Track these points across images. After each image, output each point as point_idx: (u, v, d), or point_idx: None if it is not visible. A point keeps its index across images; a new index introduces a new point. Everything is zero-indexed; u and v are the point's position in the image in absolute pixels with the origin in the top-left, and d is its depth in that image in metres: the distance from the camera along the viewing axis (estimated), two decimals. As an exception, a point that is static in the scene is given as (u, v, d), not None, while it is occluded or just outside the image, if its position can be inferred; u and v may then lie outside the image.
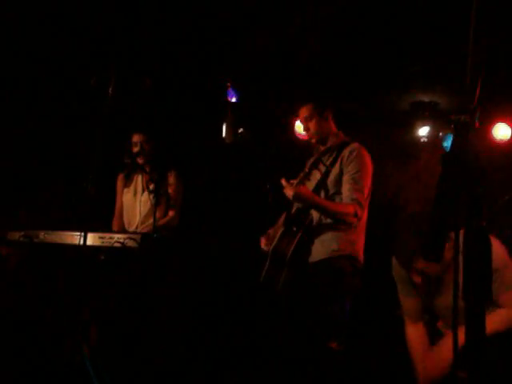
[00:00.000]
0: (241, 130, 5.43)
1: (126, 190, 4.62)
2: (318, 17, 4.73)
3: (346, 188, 3.53)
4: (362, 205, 3.49)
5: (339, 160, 3.60)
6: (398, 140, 6.13)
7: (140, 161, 4.48)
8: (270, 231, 3.74)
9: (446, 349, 2.55)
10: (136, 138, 4.50)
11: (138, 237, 3.75)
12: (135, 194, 4.57)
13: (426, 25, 4.44)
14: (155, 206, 4.06)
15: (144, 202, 4.50)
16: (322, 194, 3.60)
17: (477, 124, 1.35)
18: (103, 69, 3.63)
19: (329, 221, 3.54)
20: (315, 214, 3.57)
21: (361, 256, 3.59)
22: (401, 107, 6.01)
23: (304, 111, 3.75)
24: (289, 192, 3.45)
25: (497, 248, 2.50)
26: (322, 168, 3.66)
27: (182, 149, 5.43)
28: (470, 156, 1.31)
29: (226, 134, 5.39)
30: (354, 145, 3.66)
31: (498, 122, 5.72)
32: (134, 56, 4.91)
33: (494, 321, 2.47)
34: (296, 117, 5.56)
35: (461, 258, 1.44)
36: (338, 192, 3.57)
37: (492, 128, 5.71)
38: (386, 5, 4.37)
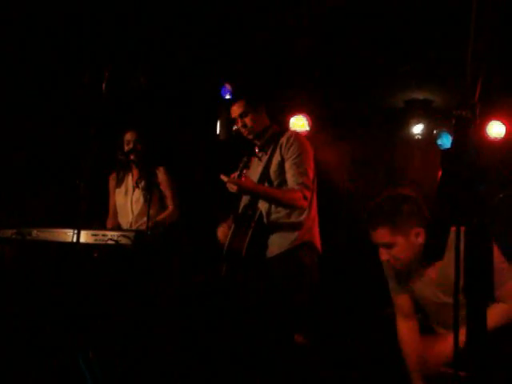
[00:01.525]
0: (235, 128, 5.41)
1: (117, 190, 4.59)
2: (311, 15, 4.72)
3: (290, 174, 3.50)
4: (308, 187, 3.46)
5: (278, 149, 3.58)
6: (391, 137, 6.13)
7: (132, 159, 4.46)
8: (220, 229, 3.69)
9: (443, 346, 2.54)
10: (129, 136, 4.48)
11: (131, 234, 3.73)
12: (126, 193, 4.54)
13: (420, 22, 4.44)
14: (148, 203, 4.04)
15: (136, 201, 4.47)
16: (267, 185, 3.57)
17: (476, 119, 1.34)
18: (96, 66, 3.62)
19: (281, 211, 3.51)
20: (264, 207, 3.53)
21: (318, 243, 3.59)
22: (395, 105, 6.02)
23: (237, 108, 3.71)
24: (232, 186, 3.40)
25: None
26: (262, 160, 3.66)
27: (175, 146, 5.41)
28: (470, 152, 1.30)
29: (220, 131, 5.38)
30: (290, 132, 3.69)
31: (492, 120, 5.73)
32: (128, 53, 4.89)
33: (491, 316, 2.46)
34: (290, 114, 5.57)
35: (452, 255, 1.43)
36: (283, 181, 3.54)
37: (486, 126, 5.72)
38: (380, 2, 4.37)
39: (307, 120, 5.69)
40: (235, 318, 3.58)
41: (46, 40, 4.80)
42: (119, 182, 4.58)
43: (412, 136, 6.17)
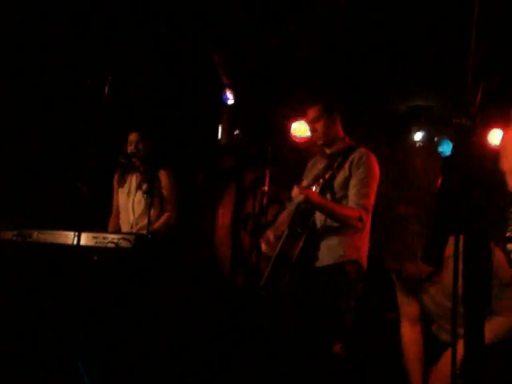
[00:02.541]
0: (237, 132, 5.43)
1: (120, 190, 4.62)
2: (315, 19, 4.73)
3: (352, 192, 3.51)
4: (367, 210, 3.48)
5: (347, 164, 3.57)
6: (393, 143, 6.14)
7: (135, 160, 4.49)
8: (269, 233, 3.72)
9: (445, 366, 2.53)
10: (132, 138, 4.51)
11: (132, 237, 3.74)
12: (129, 194, 4.57)
13: (423, 28, 4.44)
14: (149, 206, 4.06)
15: (137, 202, 4.50)
16: (328, 197, 3.57)
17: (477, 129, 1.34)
18: (100, 68, 3.62)
19: (334, 225, 3.53)
20: (319, 217, 3.55)
21: (365, 262, 3.59)
22: (398, 111, 6.02)
23: (312, 112, 3.72)
24: (298, 194, 3.45)
25: (498, 255, 2.50)
26: (329, 171, 3.62)
27: (177, 149, 5.42)
28: (471, 160, 1.30)
29: (222, 135, 5.39)
30: (363, 149, 3.64)
31: (493, 128, 5.71)
32: (131, 56, 4.90)
33: (491, 329, 2.46)
34: (293, 119, 5.56)
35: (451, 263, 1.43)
36: (345, 196, 3.55)
37: (487, 134, 5.70)
38: (384, 8, 4.38)
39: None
40: (272, 323, 3.62)
41: (49, 40, 4.82)
42: (122, 183, 4.62)
43: (414, 143, 6.17)
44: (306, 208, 3.56)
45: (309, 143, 5.27)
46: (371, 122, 5.69)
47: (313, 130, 3.75)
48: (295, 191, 3.50)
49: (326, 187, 3.56)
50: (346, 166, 3.56)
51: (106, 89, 3.56)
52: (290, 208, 3.65)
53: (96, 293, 3.62)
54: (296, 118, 5.54)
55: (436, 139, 6.21)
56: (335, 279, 3.46)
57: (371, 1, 4.36)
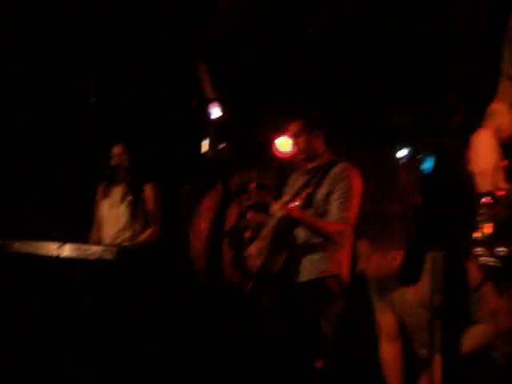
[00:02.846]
0: (222, 145, 5.43)
1: (103, 201, 4.60)
2: (302, 35, 4.77)
3: (334, 206, 3.50)
4: (350, 223, 3.47)
5: (328, 178, 3.58)
6: (377, 160, 6.18)
7: (120, 172, 4.49)
8: (252, 248, 3.72)
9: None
10: (117, 150, 4.51)
11: (114, 249, 3.73)
12: (112, 206, 4.55)
13: (407, 46, 4.49)
14: (132, 218, 4.05)
15: (121, 215, 4.48)
16: (310, 212, 3.56)
17: (457, 146, 1.36)
18: (86, 81, 3.64)
19: (317, 240, 3.51)
20: (301, 232, 3.54)
21: (347, 277, 3.58)
22: (381, 127, 6.06)
23: (294, 127, 3.75)
24: (279, 210, 3.47)
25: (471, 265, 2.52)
26: (310, 186, 3.63)
27: (162, 162, 5.43)
28: (451, 178, 1.32)
29: (208, 148, 5.40)
30: (344, 164, 3.65)
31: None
32: (118, 68, 4.91)
33: (470, 337, 2.49)
34: (277, 134, 5.59)
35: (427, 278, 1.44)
36: (327, 210, 3.54)
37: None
38: (368, 26, 4.42)
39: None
40: (256, 337, 3.61)
41: (32, 53, 4.81)
42: (106, 194, 4.60)
43: (398, 160, 6.22)
44: (287, 223, 3.55)
45: (292, 158, 5.30)
46: (356, 138, 5.73)
47: (295, 144, 3.77)
48: (275, 206, 3.52)
49: (308, 202, 3.56)
50: (327, 180, 3.56)
51: (91, 99, 3.56)
52: (272, 223, 3.67)
53: (78, 304, 3.60)
54: (280, 132, 5.56)
55: (419, 156, 6.27)
56: (317, 294, 3.45)
57: (357, 19, 4.40)
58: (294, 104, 5.09)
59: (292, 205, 3.51)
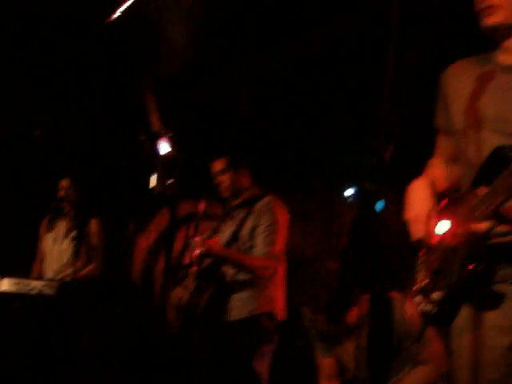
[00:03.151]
0: (170, 181, 5.42)
1: (47, 235, 4.54)
2: (251, 77, 4.86)
3: (259, 240, 3.49)
4: (275, 257, 3.47)
5: (252, 213, 3.57)
6: (324, 198, 6.25)
7: (65, 206, 4.44)
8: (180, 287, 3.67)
9: None
10: (63, 183, 4.47)
11: (55, 284, 3.67)
12: (56, 240, 4.49)
13: (342, 92, 4.61)
14: (75, 254, 4.00)
15: (64, 250, 4.42)
16: (236, 248, 3.55)
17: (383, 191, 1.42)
18: (33, 113, 3.61)
19: (245, 276, 3.49)
20: (229, 269, 3.51)
21: (280, 312, 3.53)
22: (330, 166, 6.16)
23: (218, 165, 3.76)
24: (199, 247, 3.43)
25: (412, 311, 2.57)
26: (235, 222, 3.63)
27: (109, 197, 5.39)
28: (376, 224, 1.37)
29: (155, 184, 5.38)
30: (268, 198, 3.64)
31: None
32: (67, 102, 4.89)
33: (414, 378, 2.54)
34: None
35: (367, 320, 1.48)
36: (252, 246, 3.52)
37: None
38: (308, 71, 4.53)
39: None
40: (186, 378, 3.55)
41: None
42: (50, 228, 4.54)
43: (345, 198, 6.31)
44: (213, 260, 3.53)
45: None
46: (302, 176, 5.81)
47: (218, 183, 3.75)
48: (196, 243, 3.46)
49: (234, 238, 3.55)
50: (252, 215, 3.56)
51: (37, 132, 3.54)
52: (195, 259, 3.59)
53: (18, 340, 3.53)
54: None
55: (366, 196, 6.37)
56: (249, 334, 3.40)
57: (299, 64, 4.51)
58: (222, 142, 5.16)
59: (213, 241, 3.48)
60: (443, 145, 2.16)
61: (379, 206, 6.48)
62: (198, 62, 4.81)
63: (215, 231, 3.61)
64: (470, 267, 1.68)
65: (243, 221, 3.58)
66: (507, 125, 1.86)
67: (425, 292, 1.84)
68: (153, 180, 5.16)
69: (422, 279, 1.92)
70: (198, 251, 3.46)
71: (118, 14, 4.03)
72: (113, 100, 5.01)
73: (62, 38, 4.28)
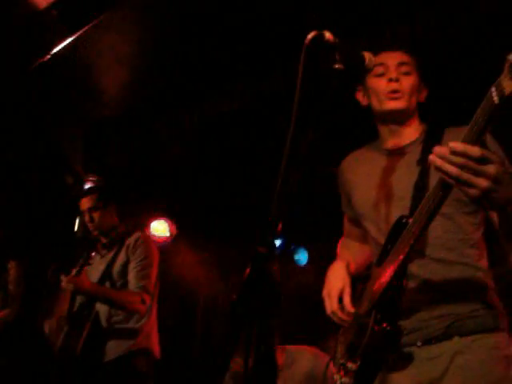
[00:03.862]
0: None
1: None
2: (181, 127, 4.92)
3: (132, 275, 3.49)
4: (149, 291, 3.45)
5: (124, 249, 3.59)
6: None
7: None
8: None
9: None
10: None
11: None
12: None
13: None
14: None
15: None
16: (108, 285, 3.53)
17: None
18: None
19: (119, 315, 3.47)
20: (103, 308, 3.46)
21: (156, 349, 3.53)
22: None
23: (87, 201, 3.74)
24: (68, 284, 3.31)
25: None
26: (106, 259, 3.62)
27: (29, 240, 5.28)
28: (266, 286, 1.40)
29: (79, 227, 5.31)
30: (138, 233, 3.70)
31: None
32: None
33: None
34: (153, 218, 5.61)
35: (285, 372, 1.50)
36: (126, 282, 3.52)
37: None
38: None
39: (169, 225, 5.73)
40: None
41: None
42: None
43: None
44: (88, 299, 3.46)
45: (167, 242, 5.32)
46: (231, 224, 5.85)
47: (89, 220, 3.73)
48: (63, 280, 3.35)
49: (105, 275, 3.53)
50: (123, 251, 3.58)
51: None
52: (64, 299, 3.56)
53: None
54: (156, 216, 5.60)
55: (292, 247, 6.47)
56: (125, 372, 3.38)
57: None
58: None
59: (79, 278, 3.35)
60: (349, 229, 2.35)
61: (302, 258, 6.55)
62: (130, 107, 4.84)
63: (82, 267, 3.47)
64: (378, 328, 1.76)
65: (115, 257, 3.58)
66: (403, 202, 1.99)
67: (341, 366, 1.93)
68: (76, 224, 5.10)
69: (339, 357, 2.01)
70: (68, 289, 3.37)
71: (49, 55, 4.04)
72: (39, 142, 4.96)
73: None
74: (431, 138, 2.05)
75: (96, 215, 3.66)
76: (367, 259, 2.32)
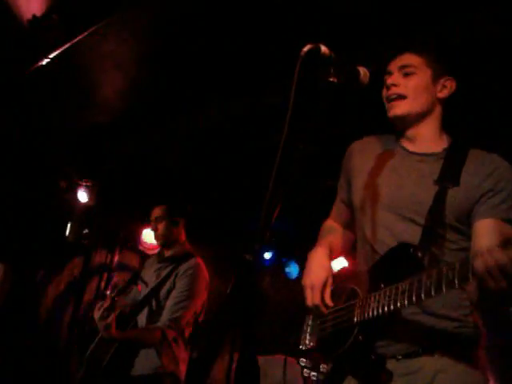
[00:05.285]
0: (86, 231, 5.37)
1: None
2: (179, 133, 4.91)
3: (169, 303, 3.48)
4: (178, 325, 3.44)
5: (174, 274, 3.58)
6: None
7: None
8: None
9: None
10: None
11: None
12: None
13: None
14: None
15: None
16: (154, 304, 3.54)
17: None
18: None
19: None
20: (140, 320, 3.49)
21: (183, 374, 3.48)
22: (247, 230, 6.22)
23: (156, 211, 3.80)
24: (102, 330, 3.32)
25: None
26: (159, 278, 3.62)
27: (20, 243, 5.26)
28: (248, 294, 1.41)
29: (70, 233, 5.31)
30: (193, 261, 3.64)
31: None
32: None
33: None
34: (145, 225, 5.60)
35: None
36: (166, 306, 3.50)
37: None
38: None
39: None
40: None
41: None
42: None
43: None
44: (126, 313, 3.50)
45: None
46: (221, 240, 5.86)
47: (154, 229, 3.79)
48: (96, 314, 3.35)
49: (152, 294, 3.55)
50: (173, 275, 3.57)
51: None
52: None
53: None
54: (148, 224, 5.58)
55: (283, 260, 6.46)
56: None
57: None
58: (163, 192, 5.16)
59: (110, 330, 3.31)
60: (340, 211, 2.28)
61: (294, 269, 6.53)
62: (127, 113, 4.84)
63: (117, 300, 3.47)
64: (358, 339, 1.76)
65: (165, 280, 3.58)
66: (401, 209, 1.97)
67: (312, 358, 1.89)
68: (68, 228, 5.10)
69: (308, 342, 1.97)
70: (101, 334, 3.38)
71: (46, 60, 4.04)
72: (33, 146, 4.96)
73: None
74: (453, 161, 2.00)
75: (161, 225, 3.70)
76: (345, 246, 2.29)
